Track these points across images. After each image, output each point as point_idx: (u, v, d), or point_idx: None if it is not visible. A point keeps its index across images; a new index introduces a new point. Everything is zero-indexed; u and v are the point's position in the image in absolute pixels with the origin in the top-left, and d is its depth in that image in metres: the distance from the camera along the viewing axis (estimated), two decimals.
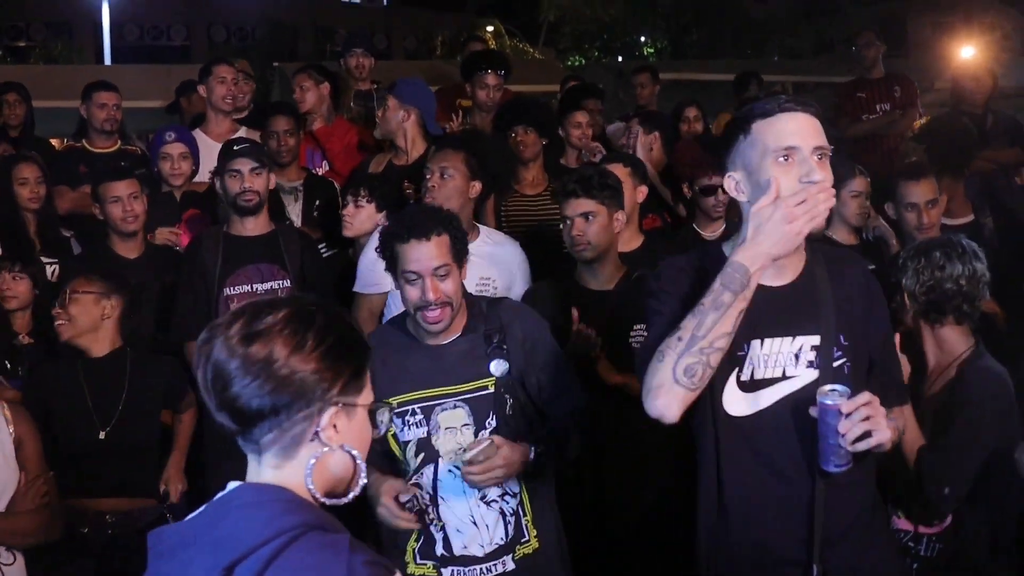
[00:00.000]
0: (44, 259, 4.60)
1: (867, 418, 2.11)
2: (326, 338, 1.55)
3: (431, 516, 2.91)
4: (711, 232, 4.48)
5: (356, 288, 3.91)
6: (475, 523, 2.91)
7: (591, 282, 3.64)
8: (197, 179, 5.01)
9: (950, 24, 21.46)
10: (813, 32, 19.78)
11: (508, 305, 3.08)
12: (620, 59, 17.81)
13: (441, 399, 2.90)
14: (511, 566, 2.92)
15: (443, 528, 2.91)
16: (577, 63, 19.61)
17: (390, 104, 4.83)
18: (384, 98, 5.70)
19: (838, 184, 4.58)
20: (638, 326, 3.52)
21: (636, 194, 4.16)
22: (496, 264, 3.86)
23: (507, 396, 2.93)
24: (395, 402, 2.86)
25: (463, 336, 2.95)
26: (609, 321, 3.54)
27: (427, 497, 2.91)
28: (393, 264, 2.89)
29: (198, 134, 5.24)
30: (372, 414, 1.63)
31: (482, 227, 4.04)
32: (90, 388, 3.55)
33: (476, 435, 2.89)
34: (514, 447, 2.81)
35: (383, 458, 2.91)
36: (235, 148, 4.03)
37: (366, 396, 1.61)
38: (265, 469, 1.57)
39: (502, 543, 2.91)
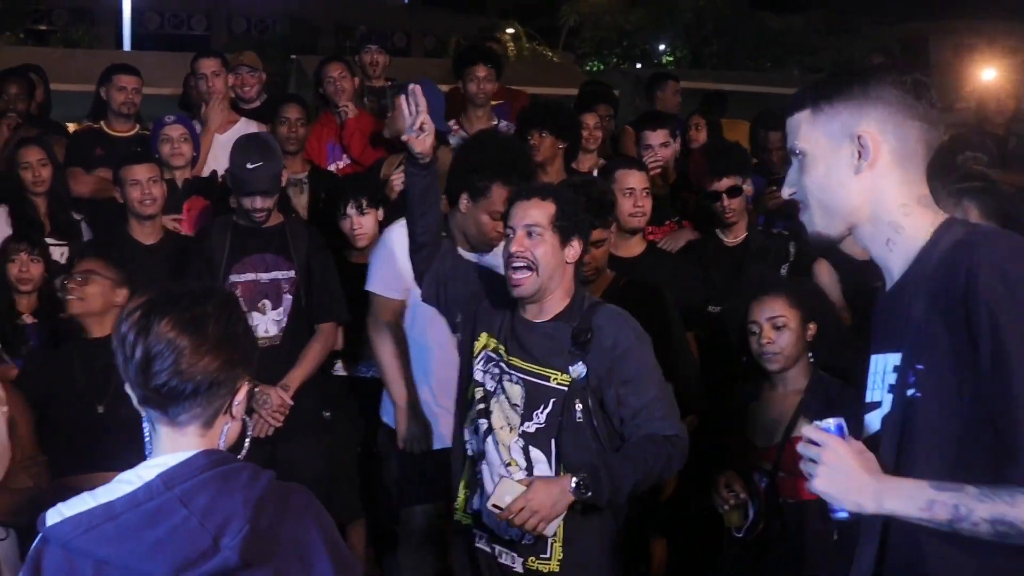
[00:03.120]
0: (52, 241, 4.64)
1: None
2: (240, 327, 1.72)
3: (478, 470, 2.98)
4: (731, 237, 4.48)
5: (373, 288, 3.90)
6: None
7: None
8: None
9: (972, 46, 21.37)
10: (834, 50, 19.73)
11: (609, 310, 2.96)
12: (639, 66, 17.80)
13: (515, 370, 2.91)
14: (519, 569, 2.90)
15: (482, 486, 2.95)
16: (596, 68, 19.61)
17: (399, 103, 4.85)
18: (397, 95, 5.74)
19: None
20: None
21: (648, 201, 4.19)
22: None
23: (577, 401, 2.85)
24: (492, 346, 2.98)
25: (552, 321, 2.92)
26: None
27: (476, 452, 2.98)
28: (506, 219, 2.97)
29: (198, 124, 5.27)
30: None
31: None
32: (85, 367, 3.56)
33: (522, 420, 2.87)
34: (548, 486, 2.75)
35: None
36: (249, 167, 3.95)
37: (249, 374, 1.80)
38: (191, 439, 1.68)
39: (516, 540, 2.87)
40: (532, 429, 2.88)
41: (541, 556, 2.86)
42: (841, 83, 1.80)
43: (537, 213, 2.85)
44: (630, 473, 2.79)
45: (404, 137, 3.07)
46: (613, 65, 19.71)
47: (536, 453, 2.88)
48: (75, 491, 3.24)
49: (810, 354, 3.34)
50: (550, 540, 2.85)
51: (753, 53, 19.46)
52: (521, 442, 2.88)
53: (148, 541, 1.53)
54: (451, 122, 5.30)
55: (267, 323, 4.02)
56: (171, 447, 1.67)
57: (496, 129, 5.34)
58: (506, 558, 2.92)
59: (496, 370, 2.94)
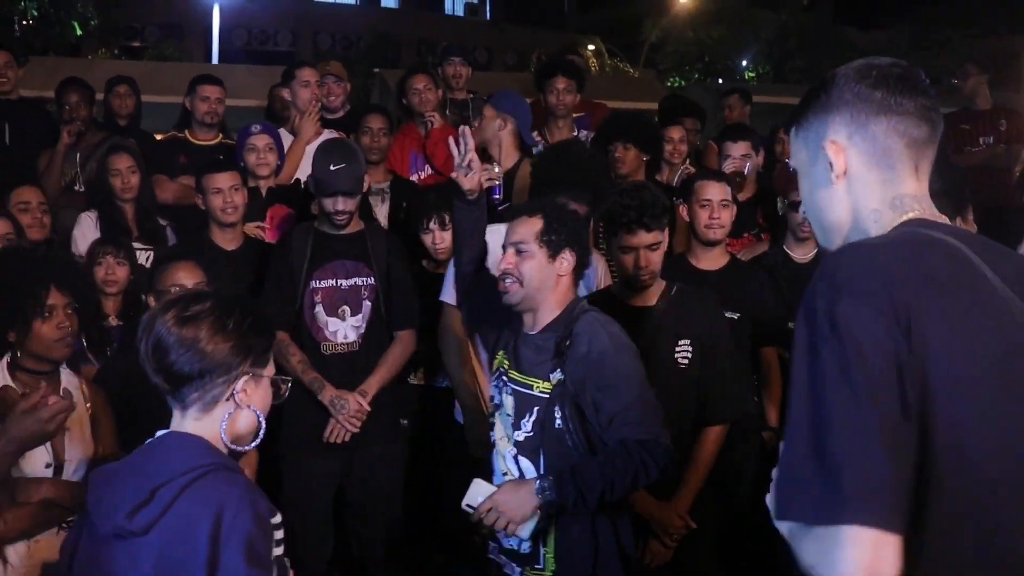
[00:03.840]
0: (139, 246, 4.73)
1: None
2: (242, 323, 2.00)
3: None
4: (801, 254, 4.39)
5: (446, 299, 3.96)
6: None
7: (633, 299, 3.55)
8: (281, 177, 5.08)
9: None
10: (920, 63, 19.30)
11: (590, 318, 2.99)
12: (720, 81, 17.64)
13: (512, 382, 3.03)
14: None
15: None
16: (677, 84, 19.49)
17: (487, 113, 4.85)
18: (480, 107, 5.75)
19: None
20: (683, 341, 3.49)
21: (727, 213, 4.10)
22: None
23: (556, 408, 2.89)
24: (503, 364, 3.07)
25: (543, 333, 3.00)
26: (654, 337, 3.47)
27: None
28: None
29: (283, 133, 5.33)
30: (276, 384, 2.08)
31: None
32: None
33: (513, 427, 3.00)
34: (515, 488, 2.86)
35: None
36: (332, 168, 3.97)
37: (270, 369, 2.07)
38: (188, 421, 2.00)
39: (515, 549, 2.98)
40: (521, 438, 2.98)
41: (536, 567, 2.95)
42: (811, 94, 1.74)
43: (524, 230, 2.97)
44: (598, 478, 2.77)
45: (453, 174, 3.21)
46: (695, 81, 19.58)
47: (525, 463, 2.97)
48: None
49: None
50: (543, 551, 2.92)
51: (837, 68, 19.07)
52: (513, 451, 3.00)
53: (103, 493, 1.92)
54: (535, 134, 5.30)
55: (346, 329, 4.03)
56: (175, 425, 2.01)
57: (575, 140, 5.31)
58: (508, 568, 3.02)
59: (500, 384, 3.07)
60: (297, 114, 5.44)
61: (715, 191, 4.03)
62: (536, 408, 2.94)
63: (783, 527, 1.45)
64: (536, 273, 2.94)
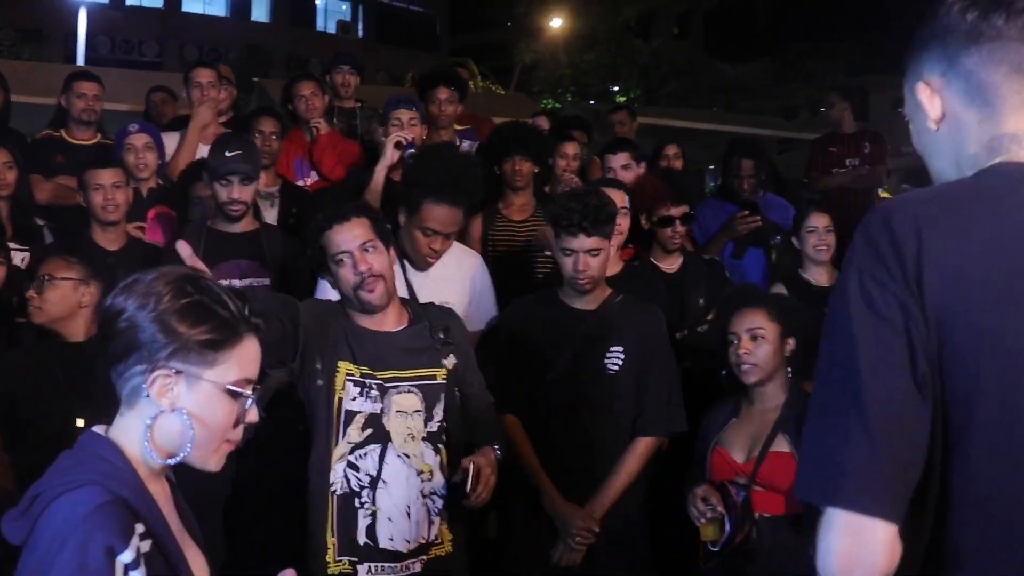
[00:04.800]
0: (14, 246, 4.52)
1: None
2: (175, 304, 1.66)
3: (364, 500, 2.94)
4: (668, 265, 4.51)
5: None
6: (409, 515, 2.96)
7: (575, 301, 3.64)
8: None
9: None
10: (783, 96, 20.17)
11: (439, 307, 3.27)
12: (592, 103, 18.03)
13: (396, 382, 2.99)
14: (418, 569, 2.98)
15: (373, 514, 2.94)
16: (552, 105, 19.83)
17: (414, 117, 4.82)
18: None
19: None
20: (614, 348, 3.56)
21: (625, 221, 4.20)
22: (450, 282, 3.86)
23: (455, 389, 3.09)
24: (358, 372, 2.96)
25: (410, 327, 3.08)
26: (585, 341, 3.57)
27: (366, 479, 2.94)
28: (323, 258, 3.04)
29: (167, 136, 5.22)
30: (234, 396, 1.71)
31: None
32: (66, 372, 3.44)
33: (425, 423, 3.01)
34: (484, 453, 2.98)
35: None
36: (228, 154, 3.95)
37: (219, 374, 1.69)
38: (117, 417, 1.72)
39: (423, 542, 2.98)
40: (434, 427, 3.04)
41: (436, 543, 3.02)
42: (914, 38, 1.58)
43: (362, 231, 3.01)
44: (502, 436, 3.21)
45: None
46: (568, 103, 19.93)
47: (435, 450, 3.04)
48: None
49: (789, 370, 3.36)
50: (442, 526, 3.04)
51: (707, 98, 19.82)
52: (429, 446, 3.02)
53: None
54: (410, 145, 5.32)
55: None
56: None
57: (446, 143, 5.30)
58: (411, 567, 2.97)
59: (374, 392, 2.98)
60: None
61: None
62: (443, 394, 3.07)
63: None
64: (388, 268, 3.04)
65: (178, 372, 1.66)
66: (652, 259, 4.52)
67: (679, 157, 6.24)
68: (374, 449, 2.95)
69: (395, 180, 4.65)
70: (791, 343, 3.35)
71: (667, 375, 3.61)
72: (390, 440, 2.96)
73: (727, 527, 3.17)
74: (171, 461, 1.70)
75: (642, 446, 3.55)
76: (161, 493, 1.74)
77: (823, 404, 1.42)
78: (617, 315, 3.60)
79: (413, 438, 3.00)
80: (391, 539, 2.93)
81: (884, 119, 20.42)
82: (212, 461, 1.74)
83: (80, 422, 3.38)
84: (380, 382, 2.98)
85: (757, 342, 3.31)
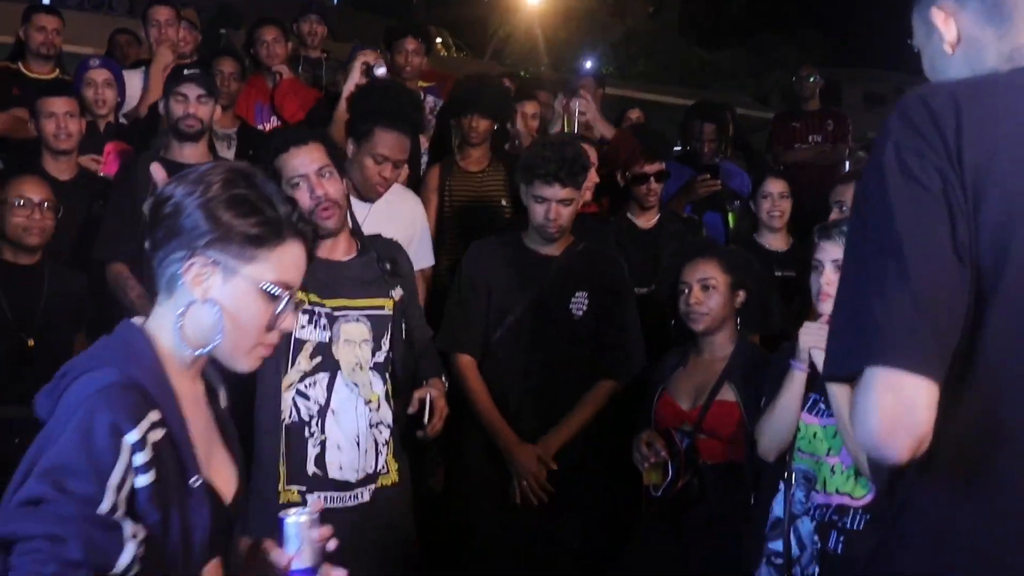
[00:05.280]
0: None
1: None
2: (224, 193, 1.62)
3: (313, 430, 2.92)
4: (644, 221, 4.52)
5: None
6: (358, 444, 2.95)
7: (540, 247, 3.64)
8: None
9: (881, 95, 22.19)
10: (755, 82, 20.25)
11: (387, 240, 3.26)
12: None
13: (344, 310, 2.98)
14: (367, 498, 2.97)
15: (322, 444, 2.92)
16: (526, 75, 19.77)
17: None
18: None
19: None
20: (579, 293, 3.58)
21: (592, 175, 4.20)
22: (394, 220, 3.85)
23: (401, 320, 3.08)
24: (307, 299, 2.92)
25: (359, 257, 3.07)
26: (551, 285, 3.58)
27: (315, 408, 2.92)
28: (277, 181, 2.93)
29: (129, 74, 5.14)
30: (269, 296, 1.65)
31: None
32: (10, 295, 3.41)
33: (372, 353, 3.01)
34: (434, 384, 3.03)
35: None
36: (185, 72, 3.97)
37: (257, 271, 1.64)
38: (155, 304, 1.69)
39: (371, 472, 2.97)
40: (381, 358, 3.03)
41: (383, 473, 3.01)
42: None
43: (319, 155, 3.00)
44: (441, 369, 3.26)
45: None
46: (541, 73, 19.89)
47: (382, 379, 3.04)
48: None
49: (738, 321, 3.38)
50: (388, 455, 3.02)
51: (678, 78, 19.86)
52: (377, 375, 3.01)
53: None
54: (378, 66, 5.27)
55: None
56: None
57: (390, 79, 5.25)
58: (358, 496, 2.96)
59: (320, 321, 2.98)
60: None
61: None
62: (390, 325, 3.06)
63: (831, 389, 1.46)
64: (343, 196, 3.05)
65: (215, 262, 1.62)
66: (628, 215, 4.54)
67: (641, 120, 6.21)
68: (323, 377, 2.94)
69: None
70: (741, 295, 3.37)
71: (632, 321, 3.65)
72: (339, 368, 2.95)
73: (670, 472, 3.19)
74: (199, 352, 1.65)
75: (602, 390, 3.59)
76: (189, 393, 1.69)
77: (857, 277, 1.41)
78: (581, 262, 3.63)
79: (361, 368, 2.98)
80: (340, 468, 2.92)
81: (855, 110, 20.64)
82: (243, 361, 1.69)
83: (30, 341, 3.36)
84: (329, 311, 2.97)
85: (708, 292, 3.32)
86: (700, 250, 3.47)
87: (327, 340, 2.96)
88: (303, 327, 2.93)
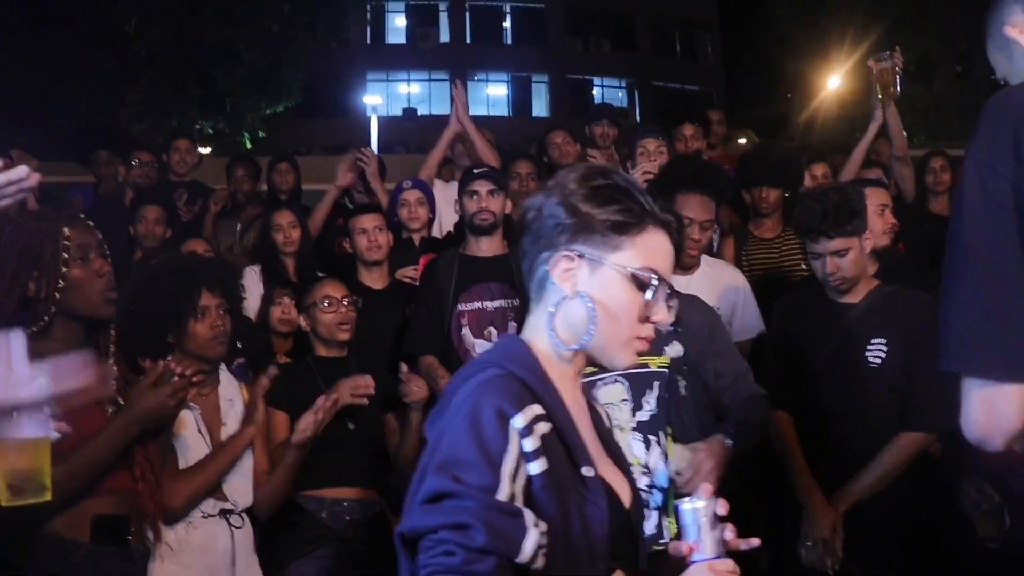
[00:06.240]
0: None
1: None
2: (582, 188, 1.63)
3: None
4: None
5: None
6: None
7: (839, 296, 3.52)
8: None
9: None
10: None
11: (684, 296, 3.12)
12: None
13: (603, 373, 2.93)
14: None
15: None
16: None
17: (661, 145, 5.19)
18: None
19: None
20: (876, 339, 3.40)
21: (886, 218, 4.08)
22: (715, 289, 3.95)
23: (679, 378, 3.01)
24: None
25: None
26: (847, 333, 3.44)
27: None
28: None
29: (438, 184, 5.68)
30: (640, 283, 1.62)
31: (704, 257, 4.09)
32: (328, 383, 3.68)
33: (633, 413, 2.95)
34: (710, 444, 2.94)
35: None
36: (475, 171, 4.30)
37: (623, 258, 1.62)
38: (528, 314, 1.72)
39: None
40: (646, 416, 2.96)
41: (660, 541, 2.83)
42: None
43: None
44: (753, 426, 3.10)
45: None
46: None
47: (653, 441, 2.94)
48: (317, 501, 3.38)
49: None
50: (666, 522, 2.86)
51: None
52: (639, 435, 2.94)
53: None
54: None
55: None
56: None
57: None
58: None
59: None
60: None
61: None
62: (657, 383, 2.99)
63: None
64: None
65: (580, 256, 1.62)
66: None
67: (827, 176, 5.73)
68: None
69: None
70: None
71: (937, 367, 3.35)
72: None
73: (1006, 520, 2.89)
74: (574, 347, 1.64)
75: (904, 440, 3.34)
76: (572, 397, 1.67)
77: (950, 284, 1.54)
78: (882, 306, 3.44)
79: (621, 429, 2.93)
80: None
81: None
82: (620, 355, 1.66)
83: (351, 425, 3.61)
84: (588, 379, 2.92)
85: None
86: None
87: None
88: None
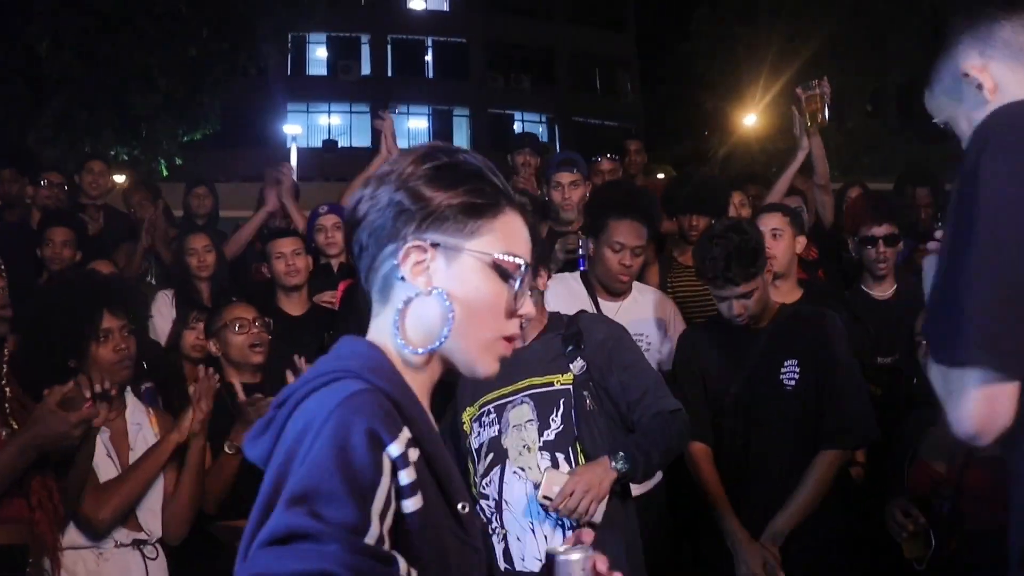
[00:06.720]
0: None
1: None
2: (420, 169, 1.40)
3: (494, 525, 2.86)
4: (880, 291, 4.27)
5: None
6: (533, 531, 2.83)
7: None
8: None
9: None
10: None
11: (586, 315, 3.17)
12: None
13: (511, 396, 2.92)
14: None
15: (504, 537, 2.85)
16: None
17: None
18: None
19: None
20: (788, 361, 3.37)
21: (795, 244, 4.04)
22: (644, 315, 3.93)
23: (585, 394, 2.91)
24: (476, 411, 2.93)
25: (538, 340, 3.00)
26: (759, 357, 3.41)
27: (493, 504, 2.87)
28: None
29: None
30: (504, 271, 1.41)
31: (635, 284, 4.03)
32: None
33: (540, 432, 2.88)
34: (590, 467, 2.78)
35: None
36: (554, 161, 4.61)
37: (484, 244, 1.40)
38: (372, 319, 1.44)
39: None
40: (552, 436, 2.89)
41: None
42: (934, 55, 1.89)
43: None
44: (656, 446, 2.86)
45: None
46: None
47: (561, 458, 2.87)
48: (233, 531, 3.26)
49: None
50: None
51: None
52: (547, 455, 2.88)
53: None
54: None
55: None
56: None
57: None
58: None
59: (489, 417, 2.96)
60: None
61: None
62: (562, 400, 2.92)
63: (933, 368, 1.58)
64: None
65: (434, 245, 1.38)
66: (863, 287, 4.34)
67: (744, 205, 5.51)
68: (495, 472, 2.91)
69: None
70: None
71: (850, 382, 3.33)
72: (507, 457, 2.90)
73: (932, 541, 2.89)
74: (423, 351, 1.38)
75: (822, 460, 3.27)
76: (429, 412, 1.43)
77: (960, 280, 1.52)
78: (788, 328, 3.42)
79: (529, 449, 2.89)
80: (523, 559, 2.84)
81: None
82: (481, 361, 1.42)
83: None
84: (498, 403, 2.96)
85: None
86: None
87: (496, 434, 2.94)
88: (477, 434, 2.96)
